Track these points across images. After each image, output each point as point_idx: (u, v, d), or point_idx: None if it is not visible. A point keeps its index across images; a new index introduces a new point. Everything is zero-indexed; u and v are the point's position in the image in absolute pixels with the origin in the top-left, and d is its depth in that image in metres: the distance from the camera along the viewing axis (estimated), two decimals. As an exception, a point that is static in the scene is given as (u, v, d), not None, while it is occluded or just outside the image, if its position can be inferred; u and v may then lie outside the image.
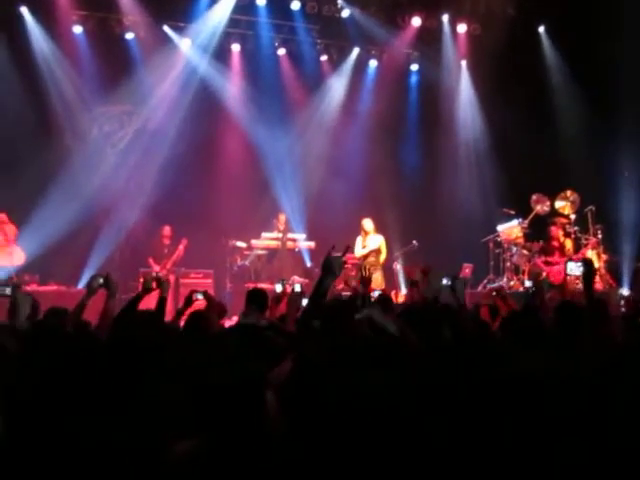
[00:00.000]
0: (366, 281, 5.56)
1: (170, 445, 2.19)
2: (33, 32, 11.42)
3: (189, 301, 5.01)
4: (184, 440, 2.19)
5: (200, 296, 4.98)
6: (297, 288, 4.93)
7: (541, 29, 13.06)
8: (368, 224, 10.82)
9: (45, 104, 11.45)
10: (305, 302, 4.85)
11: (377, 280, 10.62)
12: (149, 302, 4.71)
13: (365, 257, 10.74)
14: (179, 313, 5.02)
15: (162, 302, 4.59)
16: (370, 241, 10.77)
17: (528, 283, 10.41)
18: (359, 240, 10.85)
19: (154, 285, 4.72)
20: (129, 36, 11.91)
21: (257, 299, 5.10)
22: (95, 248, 11.23)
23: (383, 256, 10.89)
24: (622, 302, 8.70)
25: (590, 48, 11.23)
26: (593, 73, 11.52)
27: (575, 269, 3.88)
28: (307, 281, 11.40)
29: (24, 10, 11.36)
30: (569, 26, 11.75)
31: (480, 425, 1.81)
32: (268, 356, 3.31)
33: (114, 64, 11.65)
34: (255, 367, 2.29)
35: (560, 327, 3.89)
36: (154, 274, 10.37)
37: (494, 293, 5.32)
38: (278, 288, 5.41)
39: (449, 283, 4.35)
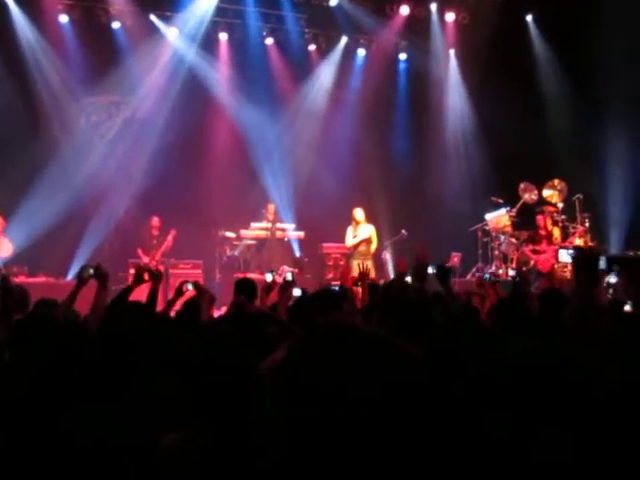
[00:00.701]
0: (364, 276, 5.58)
1: (160, 437, 2.19)
2: (18, 22, 11.31)
3: (180, 292, 5.00)
4: (173, 432, 2.19)
5: (190, 286, 4.95)
6: (289, 277, 4.94)
7: (529, 18, 13.07)
8: (359, 214, 10.85)
9: (32, 94, 11.35)
10: (296, 291, 4.89)
11: (367, 269, 10.66)
12: (138, 293, 4.71)
13: (356, 247, 10.77)
14: (170, 304, 5.01)
15: (154, 293, 4.58)
16: (361, 231, 10.80)
17: (512, 272, 10.55)
18: (350, 230, 10.88)
19: (146, 277, 4.71)
20: (116, 25, 11.81)
21: (246, 289, 5.11)
22: (84, 239, 11.19)
23: (374, 245, 10.92)
24: (610, 290, 8.76)
25: (578, 37, 11.26)
26: (581, 62, 11.56)
27: (566, 257, 3.91)
28: (296, 271, 11.43)
29: (9, -1, 11.26)
30: (557, 15, 11.76)
31: (472, 415, 1.83)
32: (261, 345, 3.33)
33: (101, 54, 11.58)
34: (247, 356, 2.30)
35: (544, 314, 3.93)
36: (143, 265, 10.34)
37: (487, 277, 5.34)
38: (268, 277, 5.42)
39: (435, 271, 4.37)
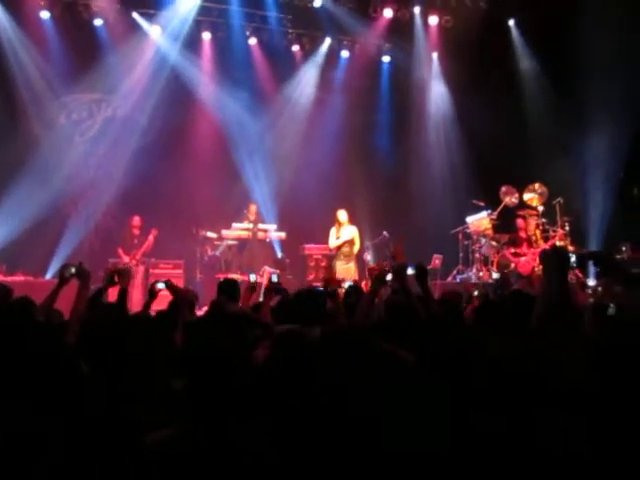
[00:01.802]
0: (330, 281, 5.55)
1: (146, 434, 2.18)
2: (-1, 17, 11.19)
3: (152, 292, 4.89)
4: (159, 430, 2.18)
5: (162, 285, 4.81)
6: (274, 278, 4.93)
7: (511, 22, 13.16)
8: (342, 215, 10.86)
9: (11, 92, 11.24)
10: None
11: (350, 271, 10.68)
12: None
13: (339, 248, 10.78)
14: (146, 306, 4.92)
15: (123, 294, 4.54)
16: (344, 232, 10.81)
17: (495, 275, 10.61)
18: (333, 231, 10.89)
19: (116, 279, 4.64)
20: (98, 22, 11.70)
21: (229, 289, 5.09)
22: (63, 238, 11.10)
23: (357, 247, 10.95)
24: (589, 292, 8.83)
25: (560, 42, 11.36)
26: (563, 66, 11.67)
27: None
28: (278, 272, 11.40)
29: (-11, -5, 11.13)
30: (539, 20, 11.86)
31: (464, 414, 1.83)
32: (240, 344, 3.31)
33: (82, 51, 11.48)
34: (232, 354, 2.29)
35: (513, 315, 3.93)
36: (116, 266, 10.25)
37: (475, 293, 5.36)
38: (252, 278, 5.39)
39: (413, 272, 4.36)
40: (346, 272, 10.59)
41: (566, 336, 2.95)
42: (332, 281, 5.42)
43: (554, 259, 2.87)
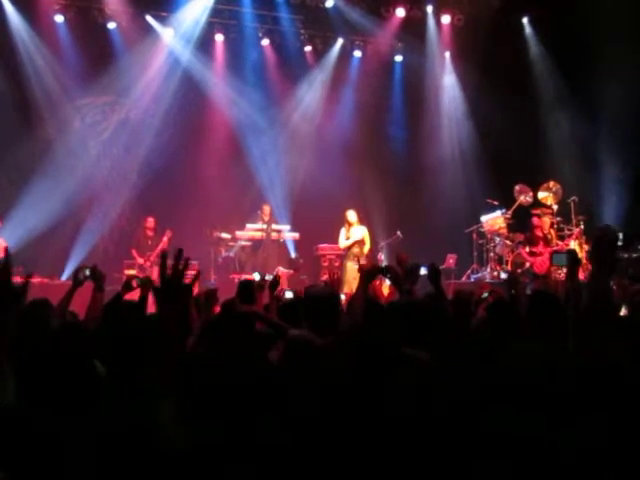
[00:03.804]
0: (334, 283, 5.57)
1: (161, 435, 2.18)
2: (13, 21, 11.27)
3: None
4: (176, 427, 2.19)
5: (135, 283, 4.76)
6: (260, 277, 4.95)
7: (525, 20, 13.10)
8: (352, 215, 10.83)
9: (26, 95, 11.32)
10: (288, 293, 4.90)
11: (361, 271, 10.64)
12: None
13: (349, 248, 10.76)
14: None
15: (143, 301, 4.57)
16: (354, 232, 10.78)
17: (503, 274, 10.55)
18: (343, 231, 10.85)
19: (134, 284, 4.67)
20: (111, 25, 11.79)
21: (246, 290, 5.12)
22: (78, 240, 11.18)
23: (367, 247, 10.90)
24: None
25: (574, 39, 11.29)
26: (577, 64, 11.60)
27: (560, 260, 3.89)
28: (292, 272, 11.43)
29: (4, -1, 11.23)
30: (553, 17, 11.80)
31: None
32: (257, 344, 3.33)
33: (96, 54, 11.57)
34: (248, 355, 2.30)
35: (534, 316, 3.90)
36: (134, 271, 10.33)
37: (485, 294, 5.33)
38: (257, 277, 5.42)
39: (426, 272, 4.37)
40: (356, 272, 10.57)
41: (608, 336, 2.86)
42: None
43: (604, 244, 2.63)
